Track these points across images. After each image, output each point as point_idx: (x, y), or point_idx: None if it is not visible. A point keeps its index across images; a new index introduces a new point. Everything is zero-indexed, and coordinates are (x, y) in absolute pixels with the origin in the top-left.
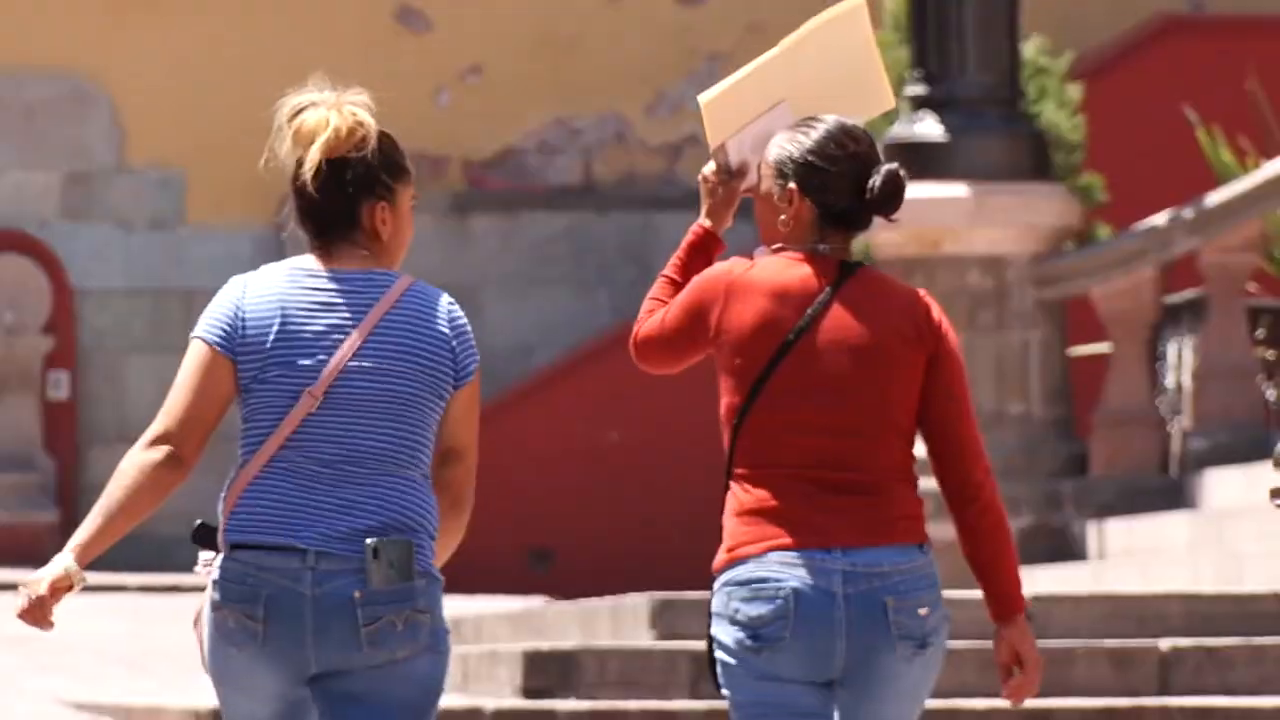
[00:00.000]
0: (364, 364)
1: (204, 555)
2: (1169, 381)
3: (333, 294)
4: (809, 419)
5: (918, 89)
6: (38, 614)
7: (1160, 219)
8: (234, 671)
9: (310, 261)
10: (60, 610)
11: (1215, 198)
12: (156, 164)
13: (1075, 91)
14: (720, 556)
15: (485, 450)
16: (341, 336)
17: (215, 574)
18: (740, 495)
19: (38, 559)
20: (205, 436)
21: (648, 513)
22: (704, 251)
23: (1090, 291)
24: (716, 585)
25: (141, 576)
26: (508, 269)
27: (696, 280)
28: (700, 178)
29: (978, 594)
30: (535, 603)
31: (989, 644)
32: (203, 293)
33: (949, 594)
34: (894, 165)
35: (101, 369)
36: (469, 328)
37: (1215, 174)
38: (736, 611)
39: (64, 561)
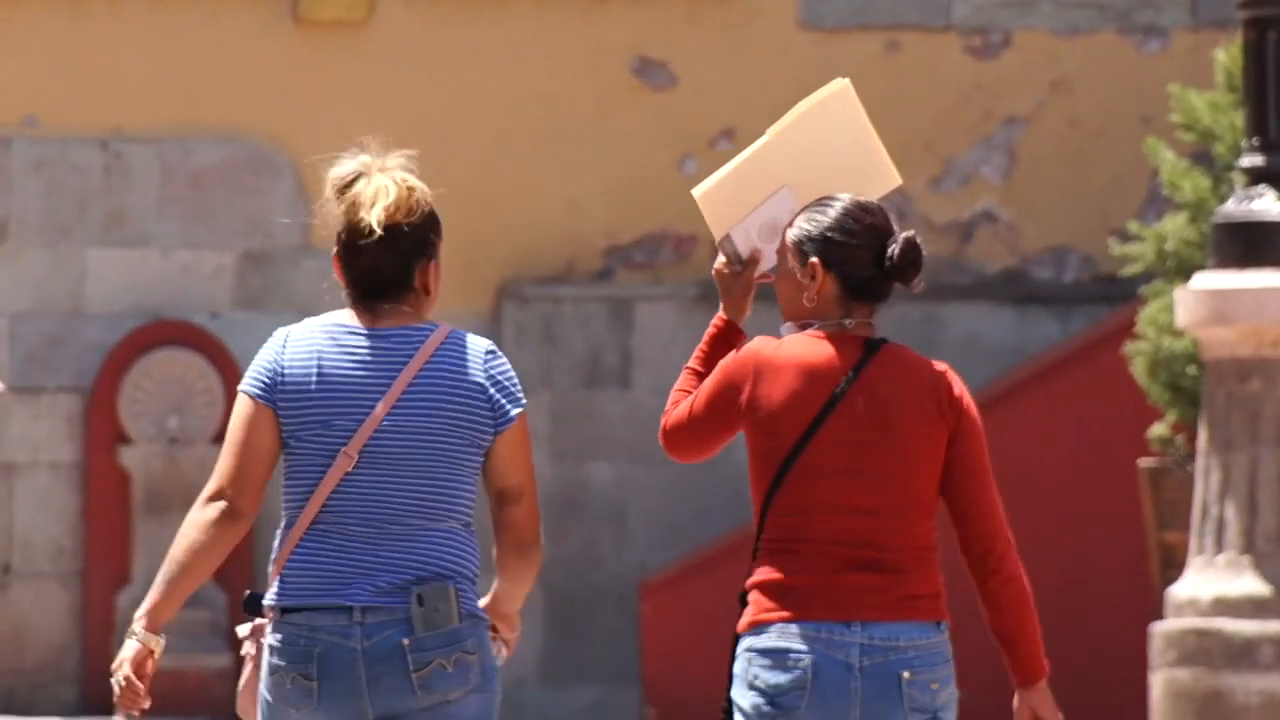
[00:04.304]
0: (398, 421)
1: (243, 630)
2: None
3: (370, 351)
4: (834, 499)
5: (1254, 160)
6: (130, 698)
7: None
8: None
9: (349, 317)
10: None
11: None
12: None
13: None
14: (745, 619)
15: None
16: (378, 394)
17: (270, 640)
18: (767, 567)
19: (207, 709)
20: (259, 487)
21: None
22: (726, 342)
23: None
24: (739, 649)
25: None
26: None
27: (724, 361)
28: (714, 272)
29: None
30: None
31: None
32: None
33: None
34: (910, 233)
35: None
36: (509, 372)
37: None
38: (756, 678)
39: (138, 637)
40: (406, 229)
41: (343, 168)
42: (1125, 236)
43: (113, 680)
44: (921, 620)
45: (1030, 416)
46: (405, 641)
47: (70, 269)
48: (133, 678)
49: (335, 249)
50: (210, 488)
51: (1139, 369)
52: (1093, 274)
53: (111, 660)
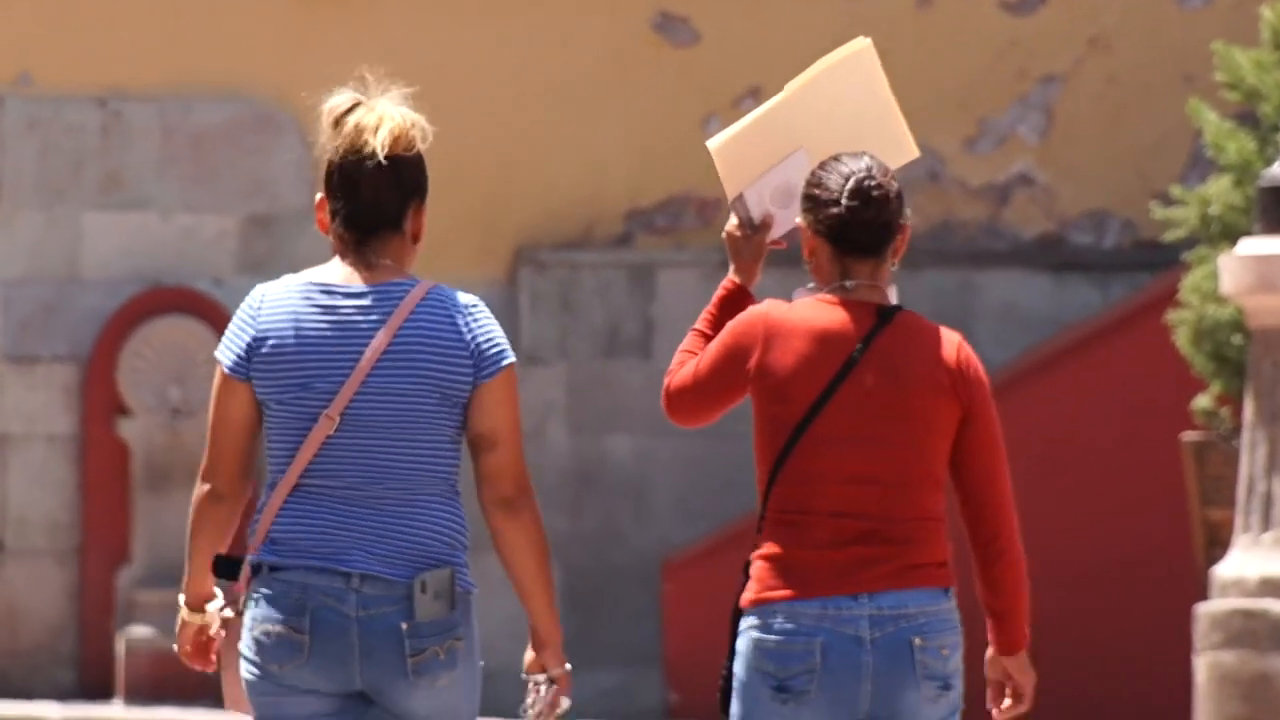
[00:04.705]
0: (379, 382)
1: (213, 603)
2: None
3: (348, 310)
4: (844, 469)
5: None
6: (195, 663)
7: None
8: (277, 688)
9: (327, 273)
10: None
11: None
12: None
13: None
14: (748, 594)
15: None
16: (356, 354)
17: (254, 594)
18: (773, 539)
19: (214, 693)
20: (242, 463)
21: (969, 638)
22: (735, 306)
23: None
24: (743, 625)
25: None
26: None
27: (733, 323)
28: (724, 234)
29: None
30: None
31: None
32: None
33: None
34: (863, 168)
35: None
36: (493, 326)
37: None
38: (763, 662)
39: (184, 617)
40: (408, 161)
41: (338, 98)
42: (1167, 200)
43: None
44: (928, 586)
45: (1068, 388)
46: (404, 626)
47: (66, 233)
48: (191, 653)
49: (321, 191)
50: (202, 466)
51: (1182, 338)
52: (1133, 239)
53: (110, 642)
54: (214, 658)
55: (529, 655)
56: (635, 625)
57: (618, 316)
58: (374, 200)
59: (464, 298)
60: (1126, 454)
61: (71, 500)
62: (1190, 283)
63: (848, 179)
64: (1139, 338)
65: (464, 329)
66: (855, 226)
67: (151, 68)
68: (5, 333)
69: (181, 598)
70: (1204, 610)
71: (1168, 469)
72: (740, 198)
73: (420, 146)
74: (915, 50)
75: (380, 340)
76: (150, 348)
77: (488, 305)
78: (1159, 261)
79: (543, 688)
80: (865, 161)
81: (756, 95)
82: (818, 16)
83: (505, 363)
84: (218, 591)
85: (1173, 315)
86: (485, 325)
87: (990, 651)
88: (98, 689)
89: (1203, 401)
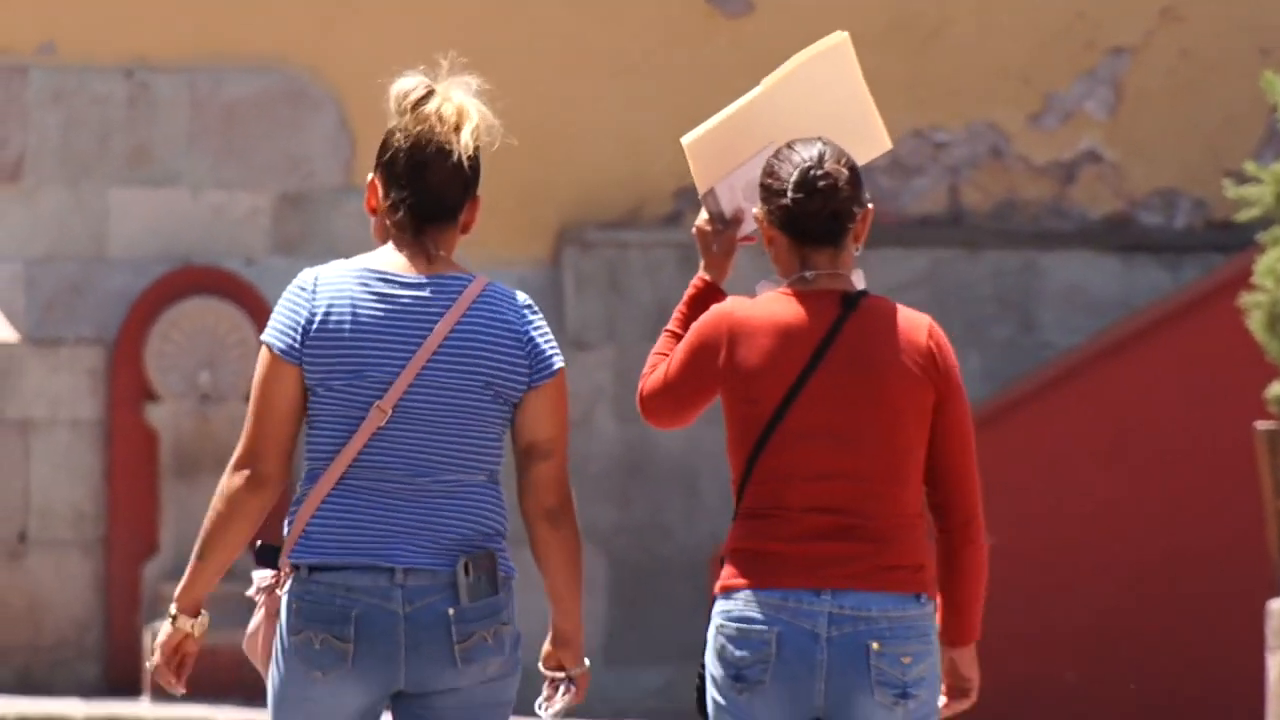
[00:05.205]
0: (433, 376)
1: (260, 576)
2: None
3: (406, 300)
4: (815, 464)
5: None
6: (165, 678)
7: None
8: (314, 695)
9: (384, 261)
10: None
11: None
12: None
13: None
14: (717, 584)
15: None
16: (414, 346)
17: (292, 597)
18: (743, 533)
19: (240, 690)
20: (287, 449)
21: (1035, 631)
22: (705, 304)
23: None
24: (713, 614)
25: None
26: None
27: (697, 324)
28: (694, 230)
29: None
30: None
31: None
32: None
33: None
34: (812, 154)
35: None
36: (546, 330)
37: None
38: (723, 649)
39: (173, 620)
40: (475, 156)
41: (409, 82)
42: (1241, 178)
43: (146, 663)
44: (898, 592)
45: (1137, 374)
46: (450, 611)
47: (92, 210)
48: (162, 664)
49: (376, 171)
50: (237, 453)
51: (1256, 323)
52: (1205, 219)
53: (137, 636)
54: (184, 677)
55: (546, 648)
56: (683, 621)
57: (667, 298)
58: (440, 192)
59: (519, 296)
60: (1198, 444)
61: (97, 489)
62: (1265, 264)
63: (795, 168)
64: (1211, 322)
65: (520, 328)
66: (804, 217)
67: (181, 37)
68: (28, 314)
69: (176, 600)
70: (1277, 606)
71: (1241, 459)
72: (711, 192)
73: (485, 140)
74: (977, 21)
75: (438, 333)
76: (179, 330)
77: (531, 287)
78: (1232, 242)
79: (561, 686)
80: (817, 149)
81: None
82: None
83: (557, 366)
84: (257, 577)
85: (1246, 298)
86: (540, 327)
87: (943, 652)
88: (124, 685)
89: (1278, 389)
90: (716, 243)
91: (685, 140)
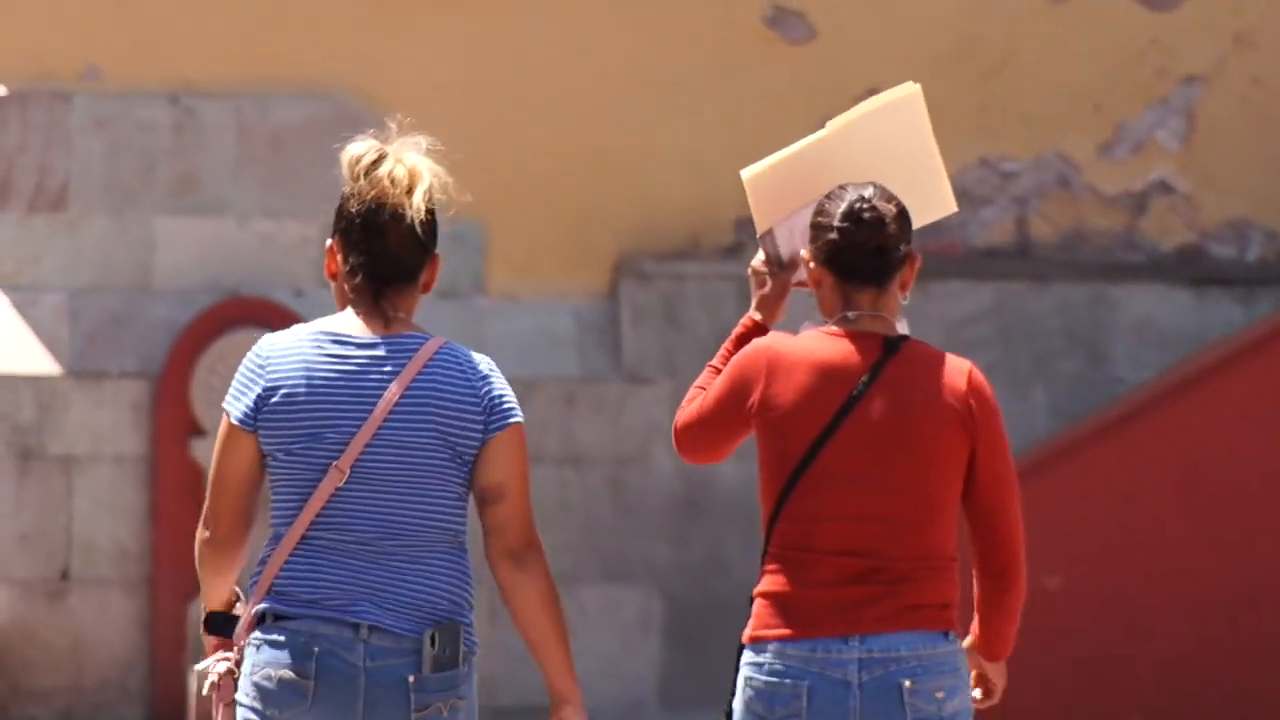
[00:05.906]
0: (390, 435)
1: (203, 663)
2: None
3: (360, 361)
4: (845, 506)
5: None
6: (225, 696)
7: None
8: None
9: (339, 324)
10: None
11: None
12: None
13: None
14: (747, 631)
15: None
16: (368, 407)
17: (256, 640)
18: (773, 575)
19: None
20: (242, 512)
21: (1104, 673)
22: None
23: None
24: (742, 661)
25: None
26: None
27: (737, 357)
28: (750, 270)
29: None
30: None
31: None
32: (512, 383)
33: None
34: (862, 192)
35: None
36: (504, 388)
37: None
38: (754, 699)
39: (215, 657)
40: (431, 215)
41: (360, 147)
42: None
43: (191, 700)
44: (925, 630)
45: (1209, 410)
46: (411, 678)
47: (136, 239)
48: (215, 700)
49: (334, 236)
50: (203, 512)
51: None
52: (1278, 251)
53: (182, 677)
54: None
55: (551, 715)
56: None
57: (725, 331)
58: (396, 255)
59: (477, 356)
60: (1271, 481)
61: (141, 526)
62: None
63: (844, 203)
64: None
65: (477, 385)
66: (849, 250)
67: (226, 62)
68: (71, 346)
69: (203, 627)
70: None
71: None
72: (770, 233)
73: (439, 198)
74: (1046, 48)
75: (393, 392)
76: (226, 363)
77: (587, 321)
78: None
79: None
80: (869, 189)
81: (875, 94)
82: (944, 9)
83: (514, 419)
84: (211, 646)
85: None
86: (497, 384)
87: (970, 642)
88: None
89: None
90: (771, 284)
91: (745, 174)
